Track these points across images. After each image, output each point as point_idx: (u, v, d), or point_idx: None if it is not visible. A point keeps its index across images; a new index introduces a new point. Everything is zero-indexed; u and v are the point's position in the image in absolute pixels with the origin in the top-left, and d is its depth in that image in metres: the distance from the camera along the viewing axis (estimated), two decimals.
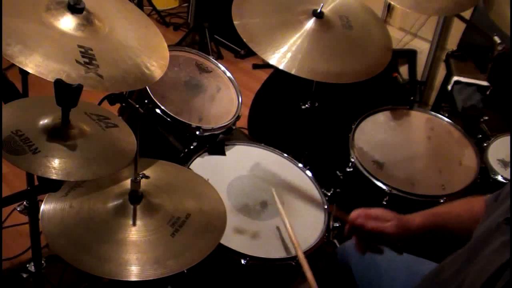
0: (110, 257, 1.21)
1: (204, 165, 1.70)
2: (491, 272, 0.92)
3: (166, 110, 1.73)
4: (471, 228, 1.16)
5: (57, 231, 1.26)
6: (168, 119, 1.73)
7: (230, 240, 1.44)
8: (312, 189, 1.74)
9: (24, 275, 1.52)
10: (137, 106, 1.31)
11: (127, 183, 1.34)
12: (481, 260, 0.98)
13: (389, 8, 2.95)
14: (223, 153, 1.78)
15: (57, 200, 1.32)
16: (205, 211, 1.40)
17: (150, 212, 1.32)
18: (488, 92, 2.14)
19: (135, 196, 1.32)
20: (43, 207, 1.30)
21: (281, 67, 1.68)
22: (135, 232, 1.27)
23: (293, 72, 1.67)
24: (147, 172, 1.37)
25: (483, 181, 1.84)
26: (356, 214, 1.26)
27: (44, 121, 1.15)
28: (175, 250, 1.26)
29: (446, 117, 2.07)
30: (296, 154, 1.88)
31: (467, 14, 2.36)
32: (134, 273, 1.19)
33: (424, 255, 1.37)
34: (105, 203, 1.33)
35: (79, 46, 1.18)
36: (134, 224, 1.29)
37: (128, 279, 1.18)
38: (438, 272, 1.14)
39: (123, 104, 1.59)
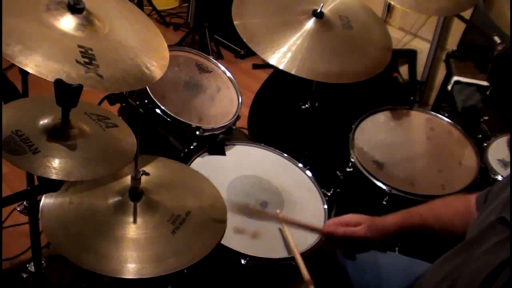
0: (110, 254, 1.21)
1: (204, 165, 1.70)
2: (489, 271, 0.92)
3: (166, 110, 1.73)
4: (457, 227, 1.15)
5: (56, 227, 1.26)
6: (168, 119, 1.73)
7: (230, 240, 1.44)
8: (312, 189, 1.74)
9: (24, 275, 1.52)
10: (137, 106, 1.31)
11: (127, 180, 1.34)
12: (476, 260, 0.97)
13: (389, 8, 2.95)
14: (223, 153, 1.77)
15: (57, 195, 1.31)
16: (205, 208, 1.40)
17: (150, 210, 1.32)
18: (488, 92, 2.14)
19: (135, 193, 1.32)
20: (42, 202, 1.30)
21: (281, 67, 1.68)
22: (135, 230, 1.27)
23: (293, 72, 1.67)
24: (147, 169, 1.37)
25: (483, 181, 1.84)
26: (327, 223, 1.26)
27: (44, 121, 1.15)
28: (176, 247, 1.26)
29: (446, 117, 2.07)
30: (296, 154, 1.88)
31: (467, 14, 2.36)
32: (134, 270, 1.19)
33: (422, 257, 1.37)
34: (105, 200, 1.33)
35: (79, 46, 1.18)
36: (134, 221, 1.29)
37: (128, 277, 1.18)
38: (429, 274, 1.14)
39: (123, 104, 1.60)
